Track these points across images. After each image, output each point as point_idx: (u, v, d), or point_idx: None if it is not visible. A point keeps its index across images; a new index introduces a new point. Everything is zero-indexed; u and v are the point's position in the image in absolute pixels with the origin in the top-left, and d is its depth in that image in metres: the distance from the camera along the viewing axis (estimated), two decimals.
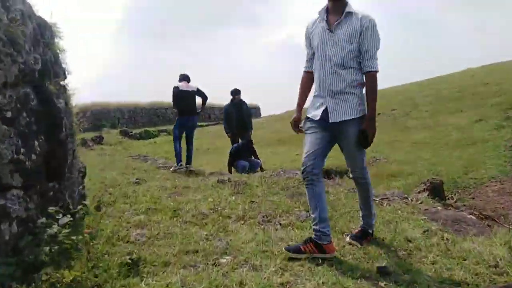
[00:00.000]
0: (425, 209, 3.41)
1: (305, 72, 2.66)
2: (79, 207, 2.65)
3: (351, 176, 2.66)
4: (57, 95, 2.47)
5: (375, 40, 2.35)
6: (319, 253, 2.29)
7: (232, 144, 8.84)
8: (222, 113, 8.98)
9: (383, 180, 5.62)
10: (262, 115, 34.65)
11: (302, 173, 2.43)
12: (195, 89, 6.77)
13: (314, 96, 2.55)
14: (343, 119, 2.37)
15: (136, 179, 5.89)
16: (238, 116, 8.43)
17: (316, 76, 2.51)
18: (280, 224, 2.93)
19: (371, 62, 2.35)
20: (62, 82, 2.61)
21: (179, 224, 3.01)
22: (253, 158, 7.38)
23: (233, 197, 4.00)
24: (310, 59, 2.59)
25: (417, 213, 3.30)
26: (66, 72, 3.05)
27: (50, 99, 2.33)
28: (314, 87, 2.57)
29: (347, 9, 2.36)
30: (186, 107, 6.72)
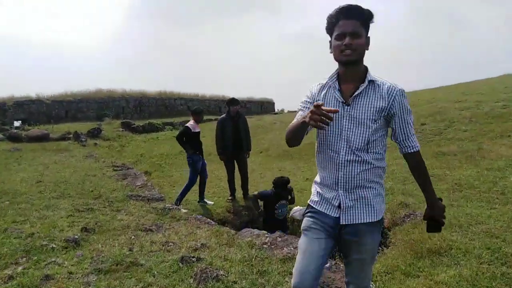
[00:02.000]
0: None
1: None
2: None
3: None
4: None
5: (409, 113, 1.79)
6: None
7: (226, 167, 7.16)
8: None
9: (424, 261, 3.87)
10: (276, 109, 32.96)
11: None
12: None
13: (319, 184, 1.93)
14: (362, 222, 1.80)
15: (82, 229, 4.34)
16: (233, 131, 6.82)
17: (322, 159, 1.88)
18: None
19: (410, 141, 1.79)
20: None
21: None
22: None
23: None
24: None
25: None
26: None
27: None
28: (318, 174, 1.94)
29: (368, 77, 1.78)
30: None
